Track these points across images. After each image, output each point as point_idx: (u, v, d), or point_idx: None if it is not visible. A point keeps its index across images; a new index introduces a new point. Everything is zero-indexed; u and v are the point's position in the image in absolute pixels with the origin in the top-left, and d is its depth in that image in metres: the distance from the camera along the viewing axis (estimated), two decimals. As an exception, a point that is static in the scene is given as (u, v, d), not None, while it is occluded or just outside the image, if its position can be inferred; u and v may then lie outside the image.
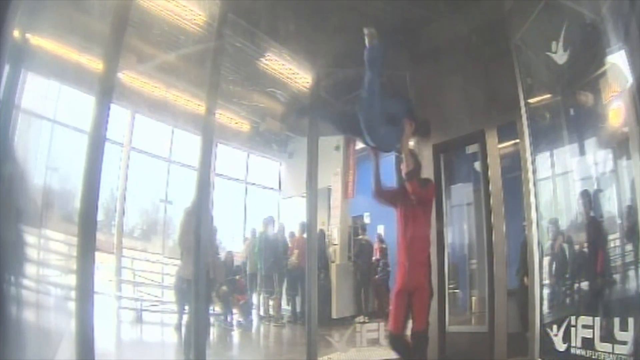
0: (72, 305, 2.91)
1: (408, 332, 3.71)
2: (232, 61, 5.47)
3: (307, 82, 5.49)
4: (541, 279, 3.78)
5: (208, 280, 4.06)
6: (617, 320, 2.87)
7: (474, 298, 5.43)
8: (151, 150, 6.65)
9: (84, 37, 4.19)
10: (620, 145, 3.02)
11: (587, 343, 3.09)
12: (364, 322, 5.37)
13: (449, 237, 5.14)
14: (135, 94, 5.82)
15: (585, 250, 3.37)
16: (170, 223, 6.73)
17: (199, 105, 5.19)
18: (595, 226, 3.27)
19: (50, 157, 3.81)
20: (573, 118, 3.53)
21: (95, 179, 3.04)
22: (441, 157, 5.11)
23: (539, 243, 3.83)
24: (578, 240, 3.46)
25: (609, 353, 2.89)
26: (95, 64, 3.82)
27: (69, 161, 3.71)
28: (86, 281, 2.93)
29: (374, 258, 7.23)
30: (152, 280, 6.62)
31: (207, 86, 4.01)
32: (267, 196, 8.10)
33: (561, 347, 3.37)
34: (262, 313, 6.97)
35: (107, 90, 3.16)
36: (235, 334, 6.34)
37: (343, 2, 4.40)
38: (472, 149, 5.07)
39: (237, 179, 7.68)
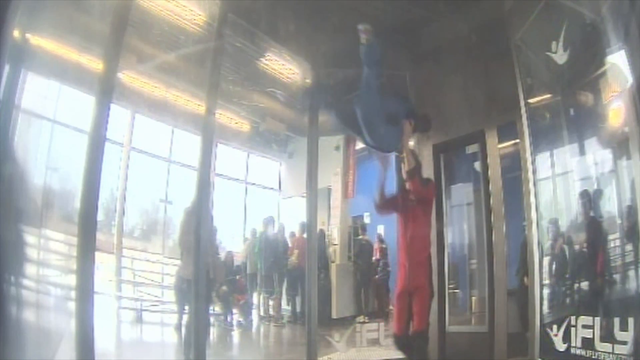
0: (72, 305, 2.92)
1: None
2: (232, 61, 5.47)
3: (307, 82, 5.48)
4: (541, 279, 3.78)
5: (208, 280, 4.06)
6: (617, 320, 2.87)
7: (474, 298, 5.43)
8: (151, 150, 6.64)
9: (84, 37, 4.19)
10: (620, 145, 3.02)
11: (587, 343, 3.09)
12: (364, 322, 5.36)
13: (449, 237, 5.14)
14: (135, 94, 5.81)
15: (585, 250, 3.38)
16: (170, 223, 6.73)
17: (199, 105, 5.19)
18: (595, 226, 3.27)
19: (50, 157, 3.80)
20: (573, 118, 3.53)
21: (95, 179, 3.04)
22: (441, 157, 5.12)
23: (539, 243, 3.83)
24: (578, 240, 3.46)
25: (609, 353, 2.90)
26: (95, 64, 3.82)
27: (69, 161, 3.71)
28: (86, 281, 2.93)
29: (374, 258, 7.22)
30: (152, 280, 6.61)
31: (207, 86, 4.02)
32: (267, 196, 8.09)
33: (561, 347, 3.37)
34: (262, 313, 6.96)
35: (107, 90, 3.16)
36: (235, 334, 6.34)
37: (343, 2, 4.40)
38: (472, 149, 5.06)
39: (237, 179, 7.67)
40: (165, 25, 4.97)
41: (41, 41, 3.74)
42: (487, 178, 4.70)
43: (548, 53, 3.66)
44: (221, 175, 7.19)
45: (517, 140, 4.34)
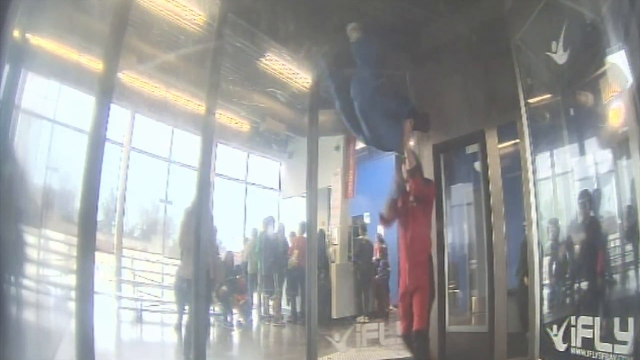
0: (72, 305, 2.91)
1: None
2: (232, 61, 5.47)
3: (307, 82, 5.48)
4: (541, 279, 3.78)
5: (208, 280, 4.05)
6: (617, 320, 2.87)
7: (474, 298, 5.43)
8: (151, 150, 6.65)
9: (84, 37, 4.19)
10: (620, 145, 3.02)
11: (587, 343, 3.08)
12: (364, 322, 5.37)
13: (449, 237, 5.14)
14: (135, 94, 5.81)
15: (585, 250, 3.37)
16: (170, 223, 6.73)
17: (199, 105, 5.19)
18: (595, 226, 3.27)
19: (50, 157, 3.80)
20: (573, 118, 3.53)
21: (95, 179, 3.04)
22: (441, 157, 5.12)
23: (539, 243, 3.83)
24: (578, 240, 3.45)
25: (609, 353, 2.89)
26: (95, 64, 3.82)
27: (69, 161, 3.71)
28: (86, 281, 2.93)
29: (374, 258, 7.24)
30: (152, 280, 6.61)
31: (207, 86, 4.01)
32: (267, 196, 8.10)
33: (561, 347, 3.37)
34: (262, 313, 6.97)
35: (107, 90, 3.16)
36: (235, 334, 6.34)
37: (343, 2, 4.40)
38: (472, 149, 5.06)
39: (237, 179, 7.68)
40: (165, 25, 4.97)
41: (41, 41, 3.74)
42: (487, 178, 4.70)
43: (548, 53, 3.66)
44: (221, 175, 7.20)
45: (517, 140, 4.34)
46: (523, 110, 4.08)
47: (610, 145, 3.16)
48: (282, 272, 6.75)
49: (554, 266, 3.69)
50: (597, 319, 3.04)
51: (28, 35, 3.23)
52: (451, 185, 5.32)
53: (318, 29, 4.59)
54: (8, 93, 2.79)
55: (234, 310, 6.43)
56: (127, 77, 5.59)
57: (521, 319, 4.35)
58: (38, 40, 3.63)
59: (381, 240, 7.18)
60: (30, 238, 3.03)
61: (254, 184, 7.86)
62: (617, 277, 3.01)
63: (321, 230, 6.56)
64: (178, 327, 4.86)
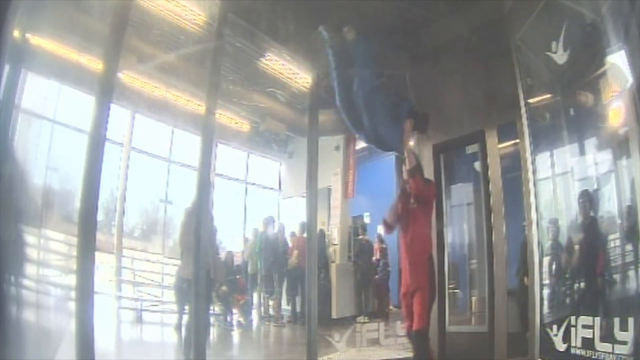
0: (72, 305, 2.91)
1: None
2: (232, 61, 5.48)
3: (307, 82, 5.49)
4: (541, 279, 3.77)
5: (208, 280, 4.05)
6: (617, 320, 2.86)
7: (474, 298, 5.43)
8: (151, 150, 6.65)
9: (84, 37, 4.19)
10: (620, 145, 3.02)
11: (587, 343, 3.08)
12: (364, 322, 5.36)
13: (449, 237, 5.14)
14: (135, 94, 5.82)
15: (585, 250, 3.37)
16: (170, 223, 6.74)
17: (199, 105, 5.20)
18: (595, 226, 3.27)
19: (50, 157, 3.80)
20: (573, 118, 3.53)
21: (95, 179, 3.03)
22: (441, 157, 5.12)
23: (539, 243, 3.83)
24: (578, 240, 3.45)
25: (609, 353, 2.89)
26: (95, 64, 3.82)
27: (69, 161, 3.71)
28: (86, 281, 2.92)
29: (374, 258, 7.24)
30: (152, 280, 6.62)
31: (207, 86, 4.01)
32: (267, 196, 8.11)
33: (561, 347, 3.37)
34: (262, 313, 6.97)
35: (107, 90, 3.16)
36: (235, 334, 6.34)
37: (343, 2, 4.40)
38: (472, 149, 5.06)
39: (237, 179, 7.68)
40: (165, 25, 4.97)
41: (41, 41, 3.74)
42: (487, 178, 4.70)
43: (548, 53, 3.66)
44: (221, 175, 7.20)
45: (517, 140, 4.34)
46: (523, 110, 4.08)
47: (610, 145, 3.15)
48: (282, 272, 6.75)
49: (554, 266, 3.69)
50: (597, 319, 3.04)
51: (28, 35, 3.23)
52: (451, 185, 5.32)
53: (318, 28, 4.59)
54: (8, 93, 2.79)
55: (234, 310, 6.43)
56: (127, 77, 5.59)
57: (521, 319, 4.35)
58: (38, 40, 3.63)
59: (381, 240, 7.18)
60: (30, 238, 3.03)
61: (254, 184, 7.87)
62: (617, 277, 3.01)
63: (321, 230, 6.56)
64: (178, 327, 4.86)
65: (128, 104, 5.99)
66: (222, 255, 6.41)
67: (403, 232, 3.94)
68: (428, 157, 4.99)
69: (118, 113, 5.80)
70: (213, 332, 5.84)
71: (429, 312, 3.79)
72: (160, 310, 6.03)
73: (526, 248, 4.13)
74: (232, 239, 7.44)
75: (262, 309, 6.98)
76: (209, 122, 3.97)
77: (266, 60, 5.69)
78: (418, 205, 3.88)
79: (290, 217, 7.44)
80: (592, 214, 3.30)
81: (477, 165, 4.97)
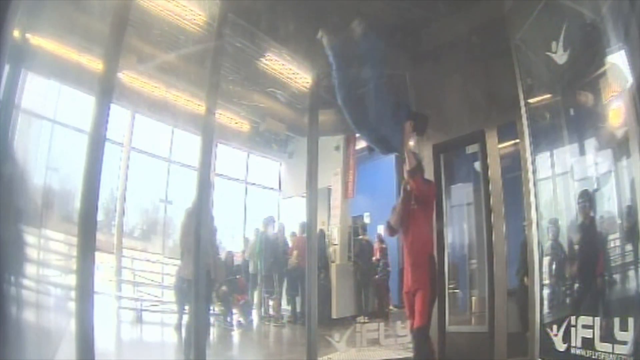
0: (72, 305, 2.91)
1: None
2: (232, 61, 5.48)
3: (307, 82, 5.49)
4: (541, 279, 3.77)
5: (208, 280, 4.06)
6: (617, 320, 2.86)
7: (474, 298, 5.43)
8: (151, 150, 6.65)
9: (84, 37, 4.19)
10: (620, 145, 3.02)
11: (587, 343, 3.08)
12: (364, 322, 5.37)
13: (449, 237, 5.14)
14: (135, 94, 5.82)
15: (586, 250, 3.37)
16: (170, 223, 6.74)
17: (199, 105, 5.19)
18: (595, 226, 3.27)
19: (50, 157, 3.80)
20: (573, 118, 3.53)
21: (95, 179, 3.03)
22: (441, 157, 5.12)
23: (539, 243, 3.83)
24: (578, 240, 3.45)
25: (609, 353, 2.89)
26: (95, 64, 3.82)
27: (69, 161, 3.71)
28: (86, 281, 2.93)
29: (374, 258, 7.24)
30: (152, 280, 6.62)
31: (207, 86, 4.01)
32: (267, 196, 8.11)
33: (561, 347, 3.37)
34: (262, 313, 6.97)
35: (107, 90, 3.16)
36: (235, 334, 6.34)
37: (343, 2, 4.40)
38: (472, 149, 5.06)
39: (237, 179, 7.68)
40: (165, 25, 4.97)
41: (41, 41, 3.74)
42: (487, 178, 4.70)
43: (548, 53, 3.66)
44: (221, 175, 7.20)
45: (517, 140, 4.34)
46: (523, 110, 4.08)
47: (610, 145, 3.15)
48: (282, 272, 6.75)
49: (554, 266, 3.69)
50: (597, 319, 3.04)
51: (28, 35, 3.24)
52: (451, 185, 5.32)
53: (318, 29, 4.59)
54: (8, 93, 2.79)
55: (234, 310, 6.43)
56: (127, 77, 5.59)
57: (521, 319, 4.35)
58: (38, 40, 3.63)
59: (381, 240, 7.18)
60: (30, 238, 3.03)
61: (254, 184, 7.87)
62: (617, 277, 3.01)
63: (321, 230, 6.56)
64: (178, 327, 4.86)
65: (128, 104, 5.99)
66: (222, 255, 6.41)
67: (404, 233, 3.95)
68: (428, 157, 4.98)
69: (118, 113, 5.80)
70: (213, 332, 5.83)
71: (430, 311, 3.81)
72: (160, 310, 6.03)
73: (526, 248, 4.13)
74: (232, 239, 7.44)
75: (262, 309, 6.98)
76: (209, 122, 3.97)
77: (266, 60, 5.69)
78: (418, 206, 3.89)
79: (290, 217, 7.43)
80: (592, 214, 3.30)
81: (477, 165, 4.97)
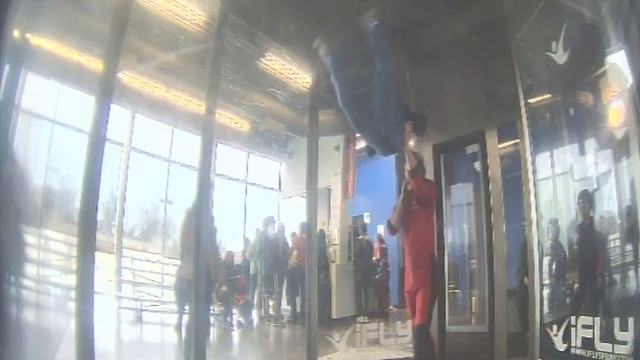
0: (72, 305, 2.91)
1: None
2: (232, 61, 5.47)
3: (307, 82, 5.49)
4: (541, 279, 3.77)
5: (208, 281, 4.06)
6: (617, 320, 2.86)
7: (474, 298, 5.43)
8: (151, 150, 6.65)
9: (84, 37, 4.19)
10: (620, 145, 3.02)
11: (587, 343, 3.08)
12: (364, 322, 5.37)
13: (449, 237, 5.14)
14: (135, 94, 5.82)
15: (585, 250, 3.37)
16: (170, 223, 6.74)
17: (199, 105, 5.20)
18: (595, 226, 3.27)
19: (50, 157, 3.80)
20: (573, 118, 3.53)
21: (95, 179, 3.04)
22: (441, 157, 5.12)
23: (539, 243, 3.83)
24: (578, 240, 3.45)
25: (609, 353, 2.89)
26: (95, 64, 3.82)
27: (69, 161, 3.71)
28: (86, 281, 2.93)
29: (374, 258, 7.23)
30: (152, 280, 6.62)
31: (207, 86, 4.01)
32: (267, 196, 8.11)
33: (561, 347, 3.37)
34: (262, 313, 6.97)
35: (107, 90, 3.16)
36: (235, 334, 6.34)
37: (343, 2, 4.39)
38: (472, 149, 5.06)
39: (237, 179, 7.68)
40: (165, 25, 4.97)
41: (41, 41, 3.75)
42: (487, 178, 4.70)
43: (548, 53, 3.66)
44: (221, 175, 7.20)
45: (517, 140, 4.34)
46: (523, 110, 4.08)
47: (610, 145, 3.15)
48: (282, 272, 6.75)
49: (554, 266, 3.69)
50: (597, 319, 3.04)
51: (28, 35, 3.24)
52: (451, 185, 5.32)
53: (318, 29, 4.59)
54: (8, 93, 2.80)
55: (234, 310, 6.42)
56: (127, 77, 5.59)
57: (521, 319, 4.35)
58: (38, 40, 3.63)
59: (381, 240, 7.18)
60: (30, 238, 3.03)
61: (254, 184, 7.87)
62: (617, 277, 3.01)
63: (321, 230, 6.56)
64: (178, 327, 4.86)
65: (128, 104, 5.99)
66: (223, 255, 6.41)
67: (405, 233, 3.96)
68: (428, 157, 4.98)
69: (118, 113, 5.80)
70: (213, 332, 5.83)
71: (431, 309, 3.81)
72: (160, 310, 6.02)
73: (526, 248, 4.13)
74: (232, 239, 7.44)
75: (262, 309, 6.98)
76: (209, 122, 3.97)
77: (266, 60, 5.69)
78: (419, 206, 3.89)
79: (291, 217, 7.43)
80: (591, 214, 3.30)
81: (477, 165, 4.97)
